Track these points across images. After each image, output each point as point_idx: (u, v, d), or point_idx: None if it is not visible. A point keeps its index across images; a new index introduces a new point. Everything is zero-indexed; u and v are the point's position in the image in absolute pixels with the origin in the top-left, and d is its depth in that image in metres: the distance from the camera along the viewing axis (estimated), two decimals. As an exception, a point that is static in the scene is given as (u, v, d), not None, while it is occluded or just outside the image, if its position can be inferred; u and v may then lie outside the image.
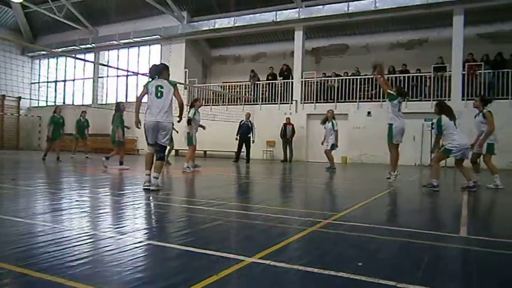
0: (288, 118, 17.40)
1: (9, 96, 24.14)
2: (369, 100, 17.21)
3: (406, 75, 16.64)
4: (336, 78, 18.06)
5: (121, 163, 10.37)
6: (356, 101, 17.28)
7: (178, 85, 6.56)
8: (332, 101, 17.72)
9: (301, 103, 18.14)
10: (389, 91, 8.59)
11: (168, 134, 6.18)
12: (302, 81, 18.46)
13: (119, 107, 10.84)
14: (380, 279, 2.37)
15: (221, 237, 3.52)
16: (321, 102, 17.91)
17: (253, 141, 15.67)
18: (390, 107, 8.50)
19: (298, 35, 18.78)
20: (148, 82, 6.32)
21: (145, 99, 6.30)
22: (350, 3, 17.02)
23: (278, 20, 18.53)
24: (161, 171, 6.22)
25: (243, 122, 15.76)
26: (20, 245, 3.04)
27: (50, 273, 2.31)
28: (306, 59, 19.35)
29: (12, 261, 2.55)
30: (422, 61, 17.07)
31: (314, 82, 18.36)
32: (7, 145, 24.37)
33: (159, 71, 6.32)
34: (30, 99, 25.20)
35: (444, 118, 7.05)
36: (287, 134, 17.10)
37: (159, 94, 6.08)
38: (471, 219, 4.72)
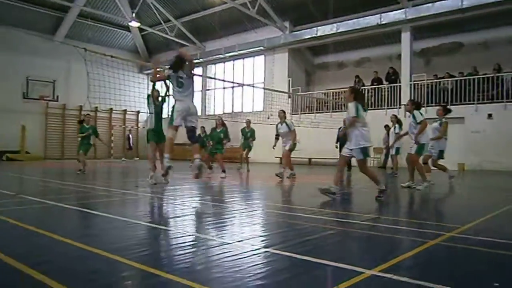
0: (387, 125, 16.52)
1: (130, 111, 26.74)
2: (489, 101, 15.63)
3: (533, 72, 14.82)
4: (449, 79, 16.75)
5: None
6: (474, 103, 15.82)
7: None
8: (445, 103, 16.44)
9: (410, 107, 17.16)
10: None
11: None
12: (410, 85, 17.47)
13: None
14: (525, 303, 2.09)
15: (336, 247, 3.43)
16: (432, 105, 16.74)
17: None
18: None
19: (405, 36, 17.83)
20: None
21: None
22: (464, -3, 15.71)
23: (383, 22, 17.79)
24: None
25: (341, 128, 15.41)
26: (149, 248, 3.29)
27: (179, 275, 2.45)
28: (414, 61, 18.27)
29: (146, 262, 2.76)
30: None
31: (424, 85, 17.25)
32: (128, 155, 26.84)
33: None
34: (147, 112, 27.52)
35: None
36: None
37: None
38: None
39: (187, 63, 6.49)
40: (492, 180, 11.70)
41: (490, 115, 15.40)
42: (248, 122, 14.57)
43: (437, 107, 16.24)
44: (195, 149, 6.75)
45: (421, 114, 8.00)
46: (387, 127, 16.38)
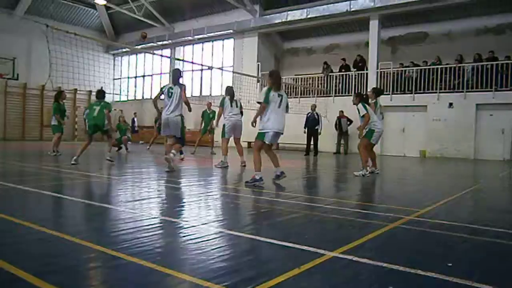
0: (342, 111, 16.96)
1: (95, 92, 25.99)
2: (451, 90, 16.14)
3: (494, 63, 15.33)
4: (414, 68, 17.17)
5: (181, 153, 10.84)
6: (436, 92, 16.31)
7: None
8: (409, 92, 16.90)
9: (376, 95, 17.47)
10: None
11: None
12: (377, 72, 17.78)
13: None
14: (475, 283, 2.21)
15: (299, 230, 3.49)
16: (397, 94, 17.16)
17: (319, 133, 15.50)
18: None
19: (374, 24, 18.04)
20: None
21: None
22: (431, -13, 15.99)
23: (352, 9, 17.92)
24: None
25: (309, 114, 15.57)
26: (113, 230, 3.25)
27: (141, 258, 2.43)
28: (381, 49, 18.55)
29: (107, 244, 2.73)
30: (514, 47, 15.65)
31: (390, 73, 17.61)
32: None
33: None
34: (113, 94, 26.86)
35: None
36: (342, 127, 16.99)
37: None
38: None
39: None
40: (451, 166, 12.18)
41: (451, 104, 15.94)
42: (209, 104, 14.37)
43: (401, 95, 16.91)
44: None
45: (365, 107, 8.02)
46: (341, 112, 16.88)
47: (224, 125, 9.31)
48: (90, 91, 25.44)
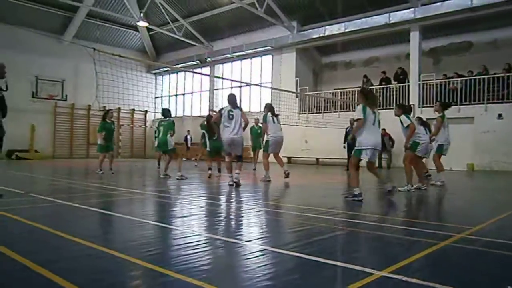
0: (384, 129, 16.47)
1: (138, 111, 26.89)
2: (499, 101, 15.46)
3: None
4: (459, 79, 16.59)
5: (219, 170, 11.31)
6: (483, 103, 15.66)
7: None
8: (454, 103, 16.31)
9: (419, 107, 17.02)
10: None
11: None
12: (419, 84, 17.32)
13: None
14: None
15: (345, 248, 3.40)
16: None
17: None
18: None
19: (414, 36, 17.65)
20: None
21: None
22: (474, -4, 15.51)
23: (391, 22, 17.63)
24: None
25: (348, 128, 15.32)
26: (159, 247, 3.29)
27: (187, 275, 2.44)
28: (423, 61, 18.10)
29: (154, 261, 2.76)
30: None
31: (433, 85, 17.10)
32: (136, 154, 27.02)
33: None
34: (155, 112, 27.65)
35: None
36: (386, 145, 16.47)
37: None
38: None
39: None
40: (501, 180, 11.58)
41: (500, 115, 15.23)
42: (257, 120, 14.48)
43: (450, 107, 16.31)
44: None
45: (408, 118, 7.87)
46: (383, 130, 16.46)
47: (267, 141, 9.62)
48: (133, 110, 26.39)
